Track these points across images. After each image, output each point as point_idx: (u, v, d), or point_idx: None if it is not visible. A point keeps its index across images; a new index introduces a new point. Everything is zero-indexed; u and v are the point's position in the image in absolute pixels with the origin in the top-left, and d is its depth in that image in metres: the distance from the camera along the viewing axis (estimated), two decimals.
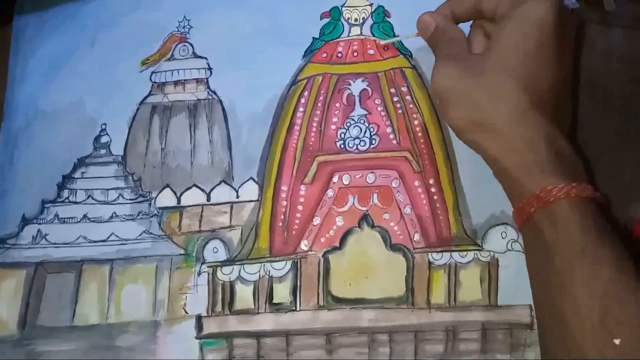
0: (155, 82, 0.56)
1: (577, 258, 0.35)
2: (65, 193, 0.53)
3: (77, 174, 0.54)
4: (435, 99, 0.51)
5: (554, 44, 0.41)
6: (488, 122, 0.41)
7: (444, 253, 0.49)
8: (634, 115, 0.51)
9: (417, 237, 0.50)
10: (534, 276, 0.41)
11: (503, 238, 0.49)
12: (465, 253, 0.49)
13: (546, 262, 0.38)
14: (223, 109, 0.55)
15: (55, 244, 0.52)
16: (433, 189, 0.51)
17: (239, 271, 0.50)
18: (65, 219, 0.52)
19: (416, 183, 0.51)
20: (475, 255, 0.49)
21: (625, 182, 0.49)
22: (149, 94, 0.56)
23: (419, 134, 0.52)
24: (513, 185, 0.42)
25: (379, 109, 0.53)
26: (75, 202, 0.53)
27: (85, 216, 0.52)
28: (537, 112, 0.40)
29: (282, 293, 0.49)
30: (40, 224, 0.52)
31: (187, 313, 0.49)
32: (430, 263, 0.49)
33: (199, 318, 0.49)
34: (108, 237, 0.52)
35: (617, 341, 0.32)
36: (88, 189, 0.53)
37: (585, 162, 0.44)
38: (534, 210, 0.38)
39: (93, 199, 0.53)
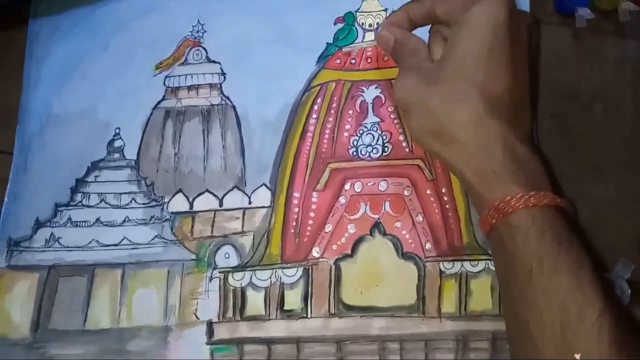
0: (168, 87, 0.56)
1: (536, 268, 0.36)
2: (79, 197, 0.53)
3: (91, 178, 0.54)
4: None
5: (507, 46, 0.40)
6: (445, 131, 0.41)
7: (455, 262, 0.49)
8: None
9: (428, 245, 0.50)
10: (500, 286, 0.42)
11: None
12: (476, 262, 0.49)
13: (509, 273, 0.38)
14: (236, 115, 0.55)
15: (68, 247, 0.52)
16: (445, 198, 0.51)
17: (251, 277, 0.50)
18: (78, 223, 0.52)
19: (428, 191, 0.51)
20: (487, 265, 0.49)
21: (637, 191, 0.49)
22: (163, 99, 0.56)
23: None
24: (474, 195, 0.42)
25: (392, 116, 0.53)
26: (88, 206, 0.53)
27: (98, 220, 0.52)
28: (494, 118, 0.40)
29: (293, 300, 0.49)
30: (53, 227, 0.52)
31: (198, 318, 0.49)
32: (441, 272, 0.49)
33: (209, 324, 0.49)
34: (120, 241, 0.52)
35: (577, 356, 0.32)
36: (101, 193, 0.53)
37: (548, 166, 0.44)
38: (495, 221, 0.39)
39: (106, 202, 0.53)
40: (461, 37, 0.41)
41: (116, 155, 0.54)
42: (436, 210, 0.51)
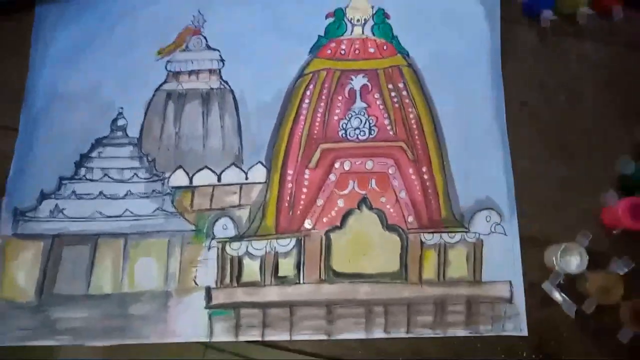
0: (170, 71, 0.59)
1: None
2: (83, 171, 0.56)
3: (94, 154, 0.56)
4: None
5: None
6: None
7: (434, 234, 0.54)
8: (602, 113, 0.58)
9: (410, 219, 0.54)
10: None
11: (487, 221, 0.54)
12: (453, 234, 0.54)
13: None
14: (234, 98, 0.58)
15: (72, 218, 0.54)
16: (425, 176, 0.55)
17: (247, 247, 0.53)
18: (82, 195, 0.55)
19: (410, 170, 0.56)
20: (463, 237, 0.54)
21: (596, 172, 0.55)
22: (165, 82, 0.59)
23: (414, 126, 0.57)
24: None
25: (377, 102, 0.57)
26: (92, 180, 0.55)
27: (101, 193, 0.55)
28: None
29: (286, 267, 0.53)
30: (57, 199, 0.55)
31: (197, 285, 0.52)
32: (422, 242, 0.54)
33: (208, 289, 0.52)
34: (123, 213, 0.54)
35: None
36: (104, 168, 0.56)
37: None
38: None
39: (109, 177, 0.55)
40: None
41: (119, 133, 0.57)
42: (417, 187, 0.55)
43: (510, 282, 0.52)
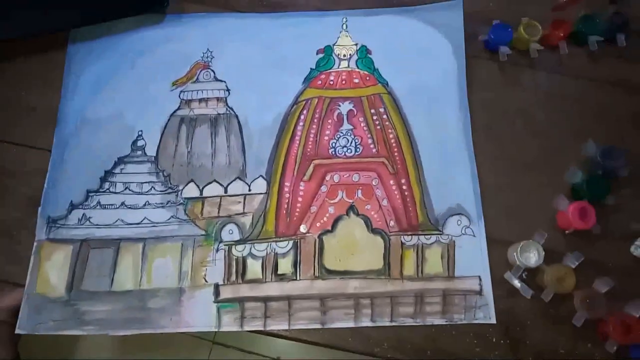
0: (183, 99, 0.65)
1: None
2: (107, 185, 0.61)
3: (117, 170, 0.62)
4: None
5: None
6: None
7: (413, 236, 0.59)
8: (553, 132, 0.65)
9: (392, 223, 0.60)
10: None
11: (458, 225, 0.60)
12: (429, 236, 0.59)
13: None
14: (239, 122, 0.64)
15: (97, 225, 0.59)
16: (404, 187, 0.61)
17: (250, 249, 0.59)
18: (106, 205, 0.60)
19: (391, 182, 0.61)
20: (437, 238, 0.59)
21: (550, 182, 0.61)
22: (178, 108, 0.65)
23: (393, 144, 0.63)
24: None
25: (362, 125, 0.64)
26: (115, 192, 0.61)
27: (122, 203, 0.60)
28: None
29: (285, 266, 0.58)
30: (85, 209, 0.60)
31: (206, 282, 0.57)
32: (402, 243, 0.59)
33: (216, 286, 0.57)
34: (142, 221, 0.59)
35: None
36: (126, 182, 0.61)
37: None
38: None
39: (130, 190, 0.61)
40: None
41: (139, 153, 0.63)
42: (397, 197, 0.61)
43: (479, 276, 0.58)
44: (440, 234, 0.59)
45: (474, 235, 0.59)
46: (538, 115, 0.65)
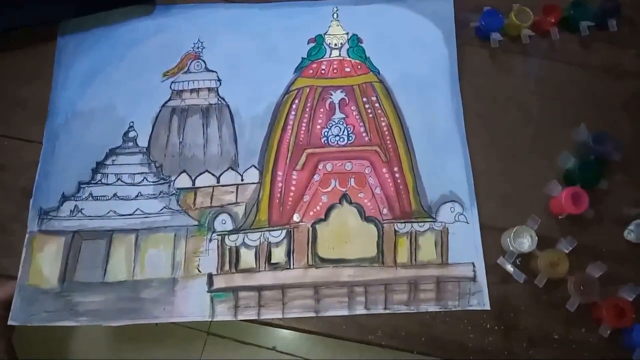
0: (174, 90, 0.65)
1: None
2: (99, 176, 0.61)
3: (109, 161, 0.62)
4: None
5: None
6: None
7: (406, 224, 0.59)
8: (545, 119, 0.65)
9: (385, 211, 0.60)
10: None
11: (452, 212, 0.60)
12: (423, 223, 0.59)
13: None
14: (230, 112, 0.64)
15: (89, 216, 0.59)
16: (397, 175, 0.61)
17: (243, 238, 0.58)
18: (98, 197, 0.60)
19: (384, 170, 0.61)
20: (431, 225, 0.59)
21: (542, 168, 0.61)
22: (169, 99, 0.65)
23: (386, 132, 0.63)
24: None
25: (354, 113, 0.64)
26: (107, 184, 0.61)
27: (115, 195, 0.60)
28: None
29: (278, 255, 0.58)
30: (77, 200, 0.60)
31: (200, 272, 0.57)
32: (396, 231, 0.59)
33: (210, 276, 0.57)
34: (134, 212, 0.59)
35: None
36: (118, 174, 0.61)
37: None
38: None
39: (122, 181, 0.61)
40: None
41: (130, 144, 0.62)
42: (390, 185, 0.61)
43: (473, 263, 0.58)
44: (434, 221, 0.59)
45: (467, 222, 0.60)
46: (530, 101, 0.65)
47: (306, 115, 0.64)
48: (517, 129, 0.64)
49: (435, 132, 0.63)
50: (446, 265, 0.58)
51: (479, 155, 0.63)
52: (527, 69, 0.66)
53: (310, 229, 0.59)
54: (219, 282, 0.57)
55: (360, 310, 0.56)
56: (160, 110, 0.64)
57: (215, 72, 0.66)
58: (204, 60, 0.67)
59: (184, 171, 0.62)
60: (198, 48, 0.68)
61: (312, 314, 0.56)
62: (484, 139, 0.64)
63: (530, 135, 0.64)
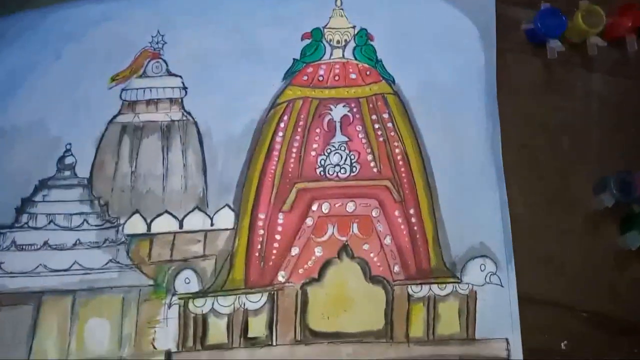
0: (125, 101, 0.55)
1: None
2: (25, 218, 0.51)
3: (38, 197, 0.52)
4: None
5: None
6: None
7: (423, 285, 0.50)
8: (610, 158, 0.54)
9: (396, 268, 0.51)
10: None
11: (482, 271, 0.50)
12: (444, 285, 0.50)
13: None
14: (198, 131, 0.54)
15: (11, 273, 0.50)
16: (413, 219, 0.52)
17: (212, 303, 0.50)
18: (24, 246, 0.50)
19: (396, 212, 0.52)
20: (454, 288, 0.50)
21: (602, 227, 0.51)
22: (119, 113, 0.55)
23: (400, 162, 0.53)
24: None
25: (360, 135, 0.54)
26: (36, 228, 0.51)
27: (46, 243, 0.50)
28: None
29: (257, 327, 0.49)
30: None
31: (155, 348, 0.48)
32: (409, 296, 0.50)
33: (168, 354, 0.48)
34: (71, 266, 0.50)
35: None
36: (50, 214, 0.51)
37: None
38: None
39: (55, 224, 0.51)
40: None
41: (67, 173, 0.53)
42: (404, 232, 0.52)
43: (507, 339, 0.49)
44: (458, 283, 0.51)
45: (502, 286, 0.51)
46: (593, 133, 0.55)
47: (297, 138, 0.54)
48: (573, 168, 0.54)
49: (464, 164, 0.54)
50: (473, 341, 0.49)
51: (520, 197, 0.53)
52: (591, 90, 0.56)
53: (300, 292, 0.50)
54: None
55: None
56: (106, 129, 0.55)
57: (180, 76, 0.56)
58: (164, 61, 0.57)
59: (137, 212, 0.52)
60: (157, 44, 0.58)
61: None
62: (527, 176, 0.54)
63: (589, 181, 0.53)
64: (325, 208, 0.52)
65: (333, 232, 0.51)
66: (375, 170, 0.53)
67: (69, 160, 0.53)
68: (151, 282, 0.50)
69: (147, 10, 0.58)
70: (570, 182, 0.53)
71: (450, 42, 0.57)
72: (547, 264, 0.51)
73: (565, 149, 0.55)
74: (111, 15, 0.58)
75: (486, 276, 0.50)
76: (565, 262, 0.51)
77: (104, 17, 0.58)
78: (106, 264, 0.50)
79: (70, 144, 0.54)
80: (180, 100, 0.55)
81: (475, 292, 0.50)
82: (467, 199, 0.53)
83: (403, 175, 0.53)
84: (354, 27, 0.57)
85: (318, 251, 0.51)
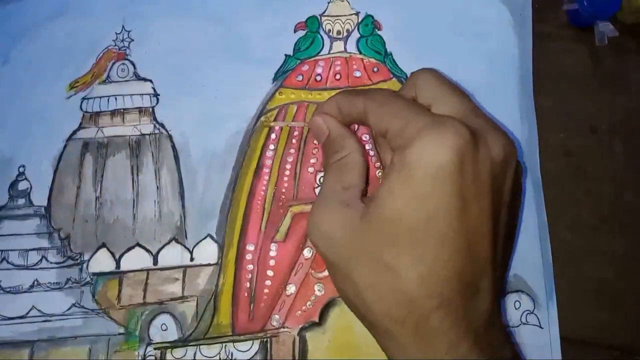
0: (86, 112, 0.48)
1: None
2: None
3: None
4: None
5: (456, 207, 0.31)
6: (372, 319, 0.35)
7: None
8: None
9: None
10: None
11: (516, 309, 0.44)
12: None
13: None
14: (173, 146, 0.47)
15: None
16: None
17: (194, 354, 0.43)
18: None
19: None
20: None
21: None
22: (79, 127, 0.48)
23: None
24: None
25: (367, 147, 0.46)
26: None
27: None
28: (435, 310, 0.32)
29: None
30: None
31: None
32: None
33: None
34: (27, 313, 0.44)
35: None
36: (2, 250, 0.45)
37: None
38: None
39: (8, 262, 0.45)
40: (393, 188, 0.32)
41: (21, 201, 0.47)
42: None
43: None
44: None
45: (541, 327, 0.44)
46: None
47: (292, 151, 0.47)
48: (628, 183, 0.46)
49: None
50: None
51: (564, 218, 0.45)
52: None
53: (297, 339, 0.44)
54: None
55: None
56: (65, 146, 0.47)
57: (150, 81, 0.49)
58: (132, 62, 0.49)
59: (103, 245, 0.45)
60: (123, 42, 0.50)
61: None
62: (573, 193, 0.46)
63: None
64: None
65: None
66: None
67: (22, 185, 0.46)
68: (122, 329, 0.43)
69: (110, 2, 0.50)
70: (625, 197, 0.46)
71: (475, 28, 0.49)
72: (598, 298, 0.44)
73: (618, 155, 0.47)
74: (68, 8, 0.50)
75: (522, 315, 0.44)
76: (621, 296, 0.44)
77: (59, 11, 0.50)
78: (69, 309, 0.44)
79: (23, 166, 0.47)
80: (151, 109, 0.48)
81: (510, 334, 0.43)
82: None
83: None
84: (357, 14, 0.49)
85: (318, 289, 0.44)
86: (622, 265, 0.45)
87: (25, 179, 0.47)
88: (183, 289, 0.44)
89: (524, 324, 0.43)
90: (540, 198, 0.45)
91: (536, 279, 0.44)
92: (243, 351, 0.43)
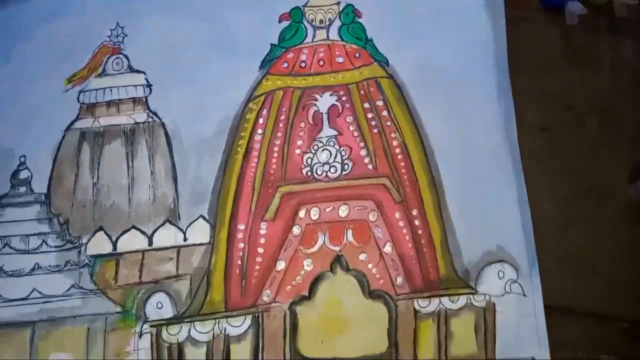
0: (83, 104, 0.52)
1: None
2: None
3: None
4: None
5: None
6: None
7: (431, 299, 0.47)
8: None
9: (399, 280, 0.48)
10: None
11: (500, 278, 0.47)
12: (456, 298, 0.47)
13: None
14: (166, 133, 0.51)
15: None
16: (417, 222, 0.50)
17: (189, 330, 0.47)
18: None
19: (397, 215, 0.49)
20: (469, 300, 0.47)
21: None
22: (77, 118, 0.52)
23: (399, 157, 0.51)
24: None
25: (351, 128, 0.50)
26: None
27: (0, 269, 0.47)
28: None
29: (241, 354, 0.46)
30: None
31: None
32: (416, 311, 0.47)
33: None
34: (29, 295, 0.47)
35: None
36: (4, 236, 0.48)
37: None
38: None
39: (10, 247, 0.48)
40: None
41: (22, 189, 0.50)
42: (407, 238, 0.49)
43: (533, 359, 0.46)
44: (473, 294, 0.48)
45: (525, 295, 0.48)
46: (623, 111, 0.50)
47: (279, 134, 0.50)
48: (602, 154, 0.49)
49: (473, 154, 0.51)
50: None
51: (543, 191, 0.48)
52: (622, 59, 0.51)
53: (288, 313, 0.47)
54: None
55: None
56: (63, 136, 0.51)
57: (144, 72, 0.53)
58: (126, 56, 0.54)
59: (101, 229, 0.49)
60: (117, 37, 0.54)
61: None
62: (549, 167, 0.49)
63: (623, 167, 0.49)
64: (314, 214, 0.49)
65: (324, 242, 0.49)
66: (370, 167, 0.51)
67: (23, 174, 0.50)
68: (119, 308, 0.47)
69: (104, 0, 0.54)
70: (601, 170, 0.49)
71: (450, 14, 0.54)
72: (577, 267, 0.47)
73: (593, 130, 0.50)
74: (64, 8, 0.55)
75: (506, 284, 0.48)
76: (599, 264, 0.47)
77: (57, 11, 0.55)
78: (68, 290, 0.46)
79: (24, 156, 0.51)
80: (144, 99, 0.52)
81: (494, 303, 0.47)
82: (480, 196, 0.49)
83: (403, 171, 0.50)
84: (338, 3, 0.54)
85: (307, 264, 0.48)
86: (600, 235, 0.47)
87: (26, 168, 0.50)
88: (177, 267, 0.47)
89: (508, 292, 0.46)
90: (520, 173, 0.48)
91: (518, 249, 0.47)
92: (236, 326, 0.46)
